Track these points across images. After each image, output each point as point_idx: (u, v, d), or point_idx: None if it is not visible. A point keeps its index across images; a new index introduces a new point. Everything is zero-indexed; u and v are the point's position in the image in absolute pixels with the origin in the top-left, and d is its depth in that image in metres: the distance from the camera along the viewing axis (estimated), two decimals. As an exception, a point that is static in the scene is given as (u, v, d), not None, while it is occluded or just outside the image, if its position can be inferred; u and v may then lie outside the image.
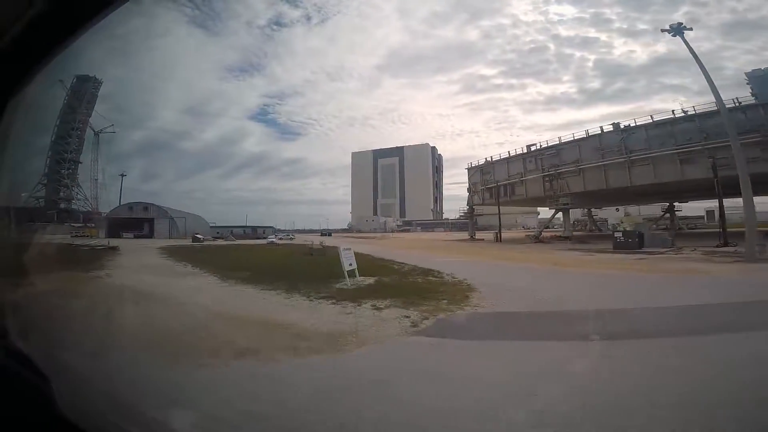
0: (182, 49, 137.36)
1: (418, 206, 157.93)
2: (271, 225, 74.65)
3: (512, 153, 38.96)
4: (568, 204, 32.93)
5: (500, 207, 45.31)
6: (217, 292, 11.88)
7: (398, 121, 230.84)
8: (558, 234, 41.27)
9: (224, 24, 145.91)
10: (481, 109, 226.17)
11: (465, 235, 68.35)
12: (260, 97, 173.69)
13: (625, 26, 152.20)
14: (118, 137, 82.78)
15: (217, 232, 61.41)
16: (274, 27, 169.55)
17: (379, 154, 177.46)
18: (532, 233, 43.67)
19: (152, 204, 59.33)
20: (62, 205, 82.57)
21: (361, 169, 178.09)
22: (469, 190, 47.08)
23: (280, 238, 52.77)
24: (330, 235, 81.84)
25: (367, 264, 18.81)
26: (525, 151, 37.88)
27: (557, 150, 33.37)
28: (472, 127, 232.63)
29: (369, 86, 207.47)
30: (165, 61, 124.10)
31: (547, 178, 33.45)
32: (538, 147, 35.45)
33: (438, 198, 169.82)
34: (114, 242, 38.78)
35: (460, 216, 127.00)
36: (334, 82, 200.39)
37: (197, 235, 49.72)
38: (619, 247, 24.26)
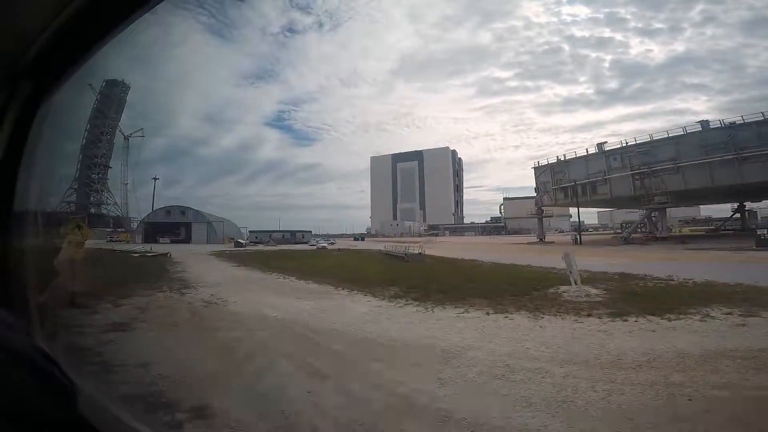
0: (199, 58, 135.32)
1: (439, 210, 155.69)
2: (309, 230, 72.46)
3: (590, 151, 36.28)
4: (666, 203, 30.19)
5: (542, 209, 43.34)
6: (422, 325, 8.48)
7: (412, 125, 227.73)
8: (642, 235, 37.96)
9: (239, 32, 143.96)
10: (496, 112, 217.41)
11: (502, 239, 65.71)
12: (276, 103, 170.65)
13: (640, 25, 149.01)
14: (141, 144, 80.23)
15: (256, 237, 59.37)
16: (287, 34, 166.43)
17: (398, 158, 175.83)
18: (620, 234, 41.03)
19: (189, 208, 57.44)
20: (92, 210, 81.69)
21: (380, 173, 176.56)
22: (536, 190, 44.31)
23: (331, 243, 50.65)
24: (363, 239, 79.55)
25: (513, 271, 16.33)
26: (597, 150, 35.41)
27: (649, 147, 30.75)
28: (488, 130, 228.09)
29: (382, 91, 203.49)
30: (183, 69, 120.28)
31: (637, 177, 30.79)
32: (624, 144, 32.82)
33: (459, 202, 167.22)
34: (156, 248, 36.90)
35: (488, 220, 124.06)
36: (348, 88, 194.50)
37: (240, 240, 47.73)
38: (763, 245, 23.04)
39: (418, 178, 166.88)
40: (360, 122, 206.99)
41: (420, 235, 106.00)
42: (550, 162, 40.99)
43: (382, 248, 32.18)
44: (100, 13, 1.48)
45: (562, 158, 38.78)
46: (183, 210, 56.34)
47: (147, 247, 39.85)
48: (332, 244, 51.11)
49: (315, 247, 42.25)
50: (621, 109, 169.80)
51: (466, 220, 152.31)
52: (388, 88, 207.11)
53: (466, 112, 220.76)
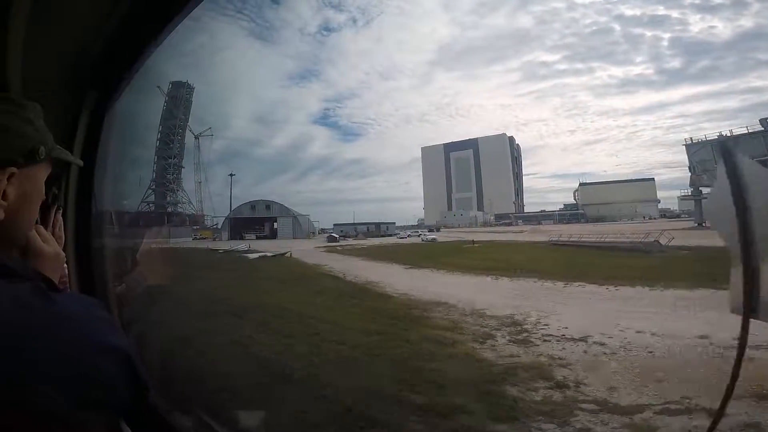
0: (245, 61, 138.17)
1: (498, 199, 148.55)
2: (393, 221, 69.68)
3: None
4: None
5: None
6: None
7: (457, 114, 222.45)
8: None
9: (279, 34, 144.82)
10: (546, 97, 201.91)
11: (603, 227, 58.78)
12: (320, 101, 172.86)
13: (698, 2, 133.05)
14: (205, 144, 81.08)
15: (341, 231, 57.05)
16: (324, 32, 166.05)
17: (450, 147, 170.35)
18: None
19: (274, 202, 55.88)
20: (170, 209, 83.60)
21: (432, 163, 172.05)
22: (692, 170, 38.27)
23: (419, 234, 47.10)
24: (439, 230, 75.77)
25: None
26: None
27: None
28: (539, 115, 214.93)
29: (422, 82, 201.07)
30: (232, 73, 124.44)
31: None
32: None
33: (519, 190, 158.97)
34: (247, 244, 34.92)
35: (562, 207, 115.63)
36: (387, 81, 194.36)
37: (333, 235, 45.39)
38: None
39: (473, 167, 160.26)
40: (402, 115, 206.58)
41: (491, 225, 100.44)
42: (707, 139, 34.74)
43: (528, 239, 27.85)
44: (144, 21, 1.51)
45: (728, 134, 32.47)
46: (268, 204, 55.08)
47: (245, 245, 38.05)
48: (418, 235, 47.69)
49: (423, 240, 38.69)
50: (687, 89, 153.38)
51: (526, 209, 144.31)
52: (428, 79, 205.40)
53: (513, 98, 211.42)
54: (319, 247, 32.92)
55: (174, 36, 1.59)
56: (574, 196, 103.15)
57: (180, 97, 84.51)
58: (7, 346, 0.61)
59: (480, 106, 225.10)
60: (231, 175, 70.50)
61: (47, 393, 0.63)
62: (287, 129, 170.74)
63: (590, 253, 19.83)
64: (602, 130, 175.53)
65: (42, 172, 0.91)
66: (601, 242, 22.04)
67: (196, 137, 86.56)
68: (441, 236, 45.69)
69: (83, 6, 1.41)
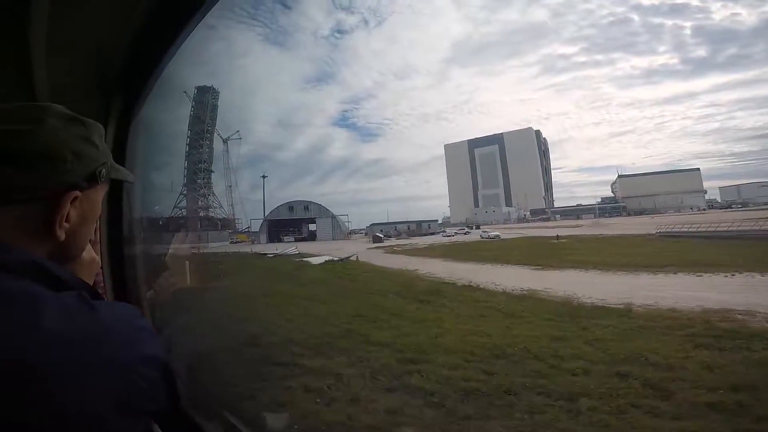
0: (263, 67, 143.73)
1: (526, 194, 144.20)
2: (435, 218, 67.11)
3: None
4: None
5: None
6: None
7: (475, 111, 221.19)
8: None
9: (293, 38, 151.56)
10: (567, 90, 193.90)
11: (667, 218, 54.13)
12: (338, 103, 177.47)
13: None
14: (231, 148, 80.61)
15: (381, 230, 54.73)
16: (337, 35, 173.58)
17: (474, 143, 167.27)
18: None
19: (312, 202, 53.86)
20: (201, 214, 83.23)
21: (456, 160, 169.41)
22: None
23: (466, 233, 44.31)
24: (478, 227, 73.01)
25: None
26: None
27: None
28: (561, 109, 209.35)
29: (438, 80, 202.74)
30: (251, 79, 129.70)
31: None
32: None
33: (548, 185, 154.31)
34: (284, 247, 32.70)
35: (599, 200, 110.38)
36: (402, 81, 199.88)
37: (378, 234, 43.09)
38: None
39: (500, 163, 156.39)
40: (419, 114, 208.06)
41: (527, 221, 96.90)
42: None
43: (604, 232, 24.72)
44: (162, 28, 1.52)
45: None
46: (306, 205, 53.04)
47: (292, 247, 35.91)
48: (467, 233, 44.84)
49: (483, 237, 35.84)
50: (715, 78, 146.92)
51: (555, 204, 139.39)
52: (444, 77, 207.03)
53: (532, 92, 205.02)
54: (371, 248, 30.45)
55: (192, 43, 1.61)
56: (612, 188, 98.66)
57: (206, 101, 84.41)
58: (57, 355, 0.64)
59: (499, 102, 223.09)
60: (263, 176, 69.07)
61: (94, 400, 0.66)
62: (307, 132, 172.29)
63: (740, 244, 16.68)
64: (628, 121, 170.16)
65: (101, 192, 0.92)
66: (724, 231, 18.86)
67: (225, 141, 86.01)
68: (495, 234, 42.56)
69: (104, 16, 1.41)
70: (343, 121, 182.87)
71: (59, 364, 0.63)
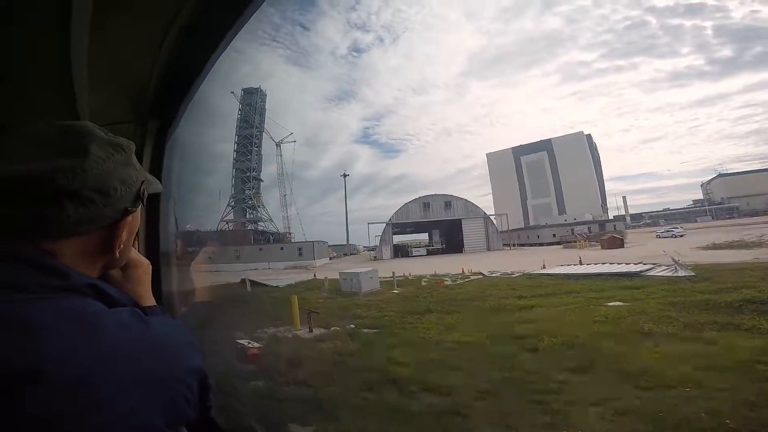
0: (287, 87, 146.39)
1: (582, 204, 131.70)
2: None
3: None
4: None
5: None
6: None
7: (497, 123, 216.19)
8: None
9: (314, 59, 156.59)
10: (590, 97, 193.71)
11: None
12: (360, 120, 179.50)
13: None
14: (283, 155, 76.29)
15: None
16: (354, 54, 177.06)
17: (520, 151, 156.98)
18: None
19: (455, 196, 41.29)
20: (250, 227, 74.98)
21: (500, 170, 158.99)
22: None
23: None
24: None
25: None
26: None
27: None
28: (585, 117, 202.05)
29: (457, 94, 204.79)
30: (277, 99, 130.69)
31: None
32: None
33: (603, 192, 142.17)
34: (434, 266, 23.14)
35: (691, 203, 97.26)
36: (421, 96, 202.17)
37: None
38: None
39: (549, 170, 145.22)
40: (440, 128, 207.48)
41: (596, 232, 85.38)
42: None
43: None
44: (194, 51, 1.57)
45: None
46: (448, 200, 39.62)
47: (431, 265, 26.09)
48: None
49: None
50: (747, 77, 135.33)
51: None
52: (463, 90, 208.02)
53: (555, 101, 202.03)
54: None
55: (221, 66, 1.67)
56: (705, 189, 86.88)
57: (255, 104, 77.82)
58: (115, 368, 0.68)
59: (520, 112, 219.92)
60: (344, 175, 60.17)
61: (149, 412, 0.70)
62: (332, 150, 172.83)
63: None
64: (659, 126, 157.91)
65: (140, 206, 0.98)
66: None
67: (278, 144, 78.20)
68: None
69: (136, 44, 1.46)
70: (366, 138, 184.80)
71: (119, 378, 0.67)
